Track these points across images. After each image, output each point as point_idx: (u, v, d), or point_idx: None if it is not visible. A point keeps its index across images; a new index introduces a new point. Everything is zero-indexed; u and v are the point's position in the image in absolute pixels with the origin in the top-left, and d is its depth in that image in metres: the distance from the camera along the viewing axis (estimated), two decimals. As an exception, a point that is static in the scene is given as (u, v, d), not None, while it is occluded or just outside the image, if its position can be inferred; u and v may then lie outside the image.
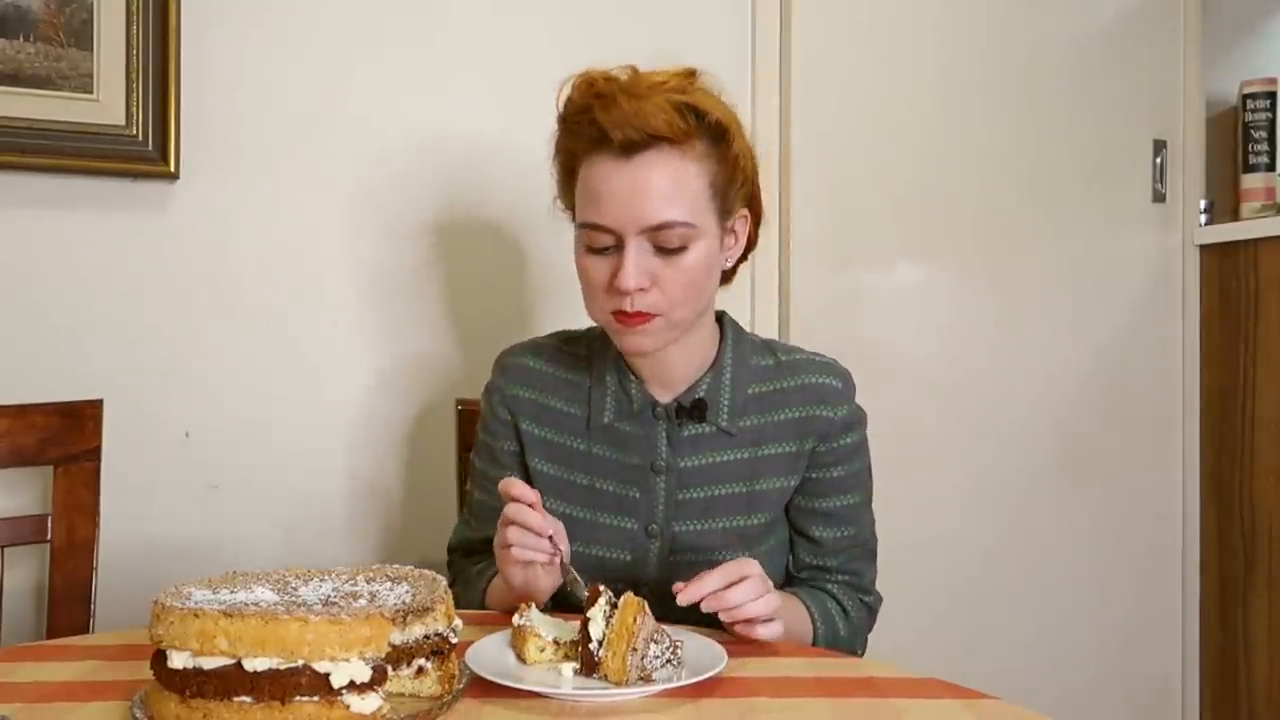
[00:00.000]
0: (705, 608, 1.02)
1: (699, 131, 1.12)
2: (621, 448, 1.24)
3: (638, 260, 1.11)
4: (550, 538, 1.07)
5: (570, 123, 1.16)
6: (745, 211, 1.22)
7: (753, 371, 1.25)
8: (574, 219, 1.20)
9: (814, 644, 1.19)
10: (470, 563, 1.32)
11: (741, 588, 1.02)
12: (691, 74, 1.16)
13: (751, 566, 1.05)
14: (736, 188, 1.18)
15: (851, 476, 1.25)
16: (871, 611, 1.29)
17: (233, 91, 1.61)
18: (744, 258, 1.26)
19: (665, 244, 1.11)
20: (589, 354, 1.28)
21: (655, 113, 1.09)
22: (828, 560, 1.26)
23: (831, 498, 1.25)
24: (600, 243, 1.13)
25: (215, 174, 1.60)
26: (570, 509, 1.24)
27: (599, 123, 1.10)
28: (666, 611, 1.20)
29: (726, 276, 1.25)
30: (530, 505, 1.07)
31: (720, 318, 1.27)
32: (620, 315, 1.13)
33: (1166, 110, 2.34)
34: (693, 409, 1.22)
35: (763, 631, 1.04)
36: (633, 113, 1.09)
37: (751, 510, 1.23)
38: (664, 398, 1.23)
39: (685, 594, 1.02)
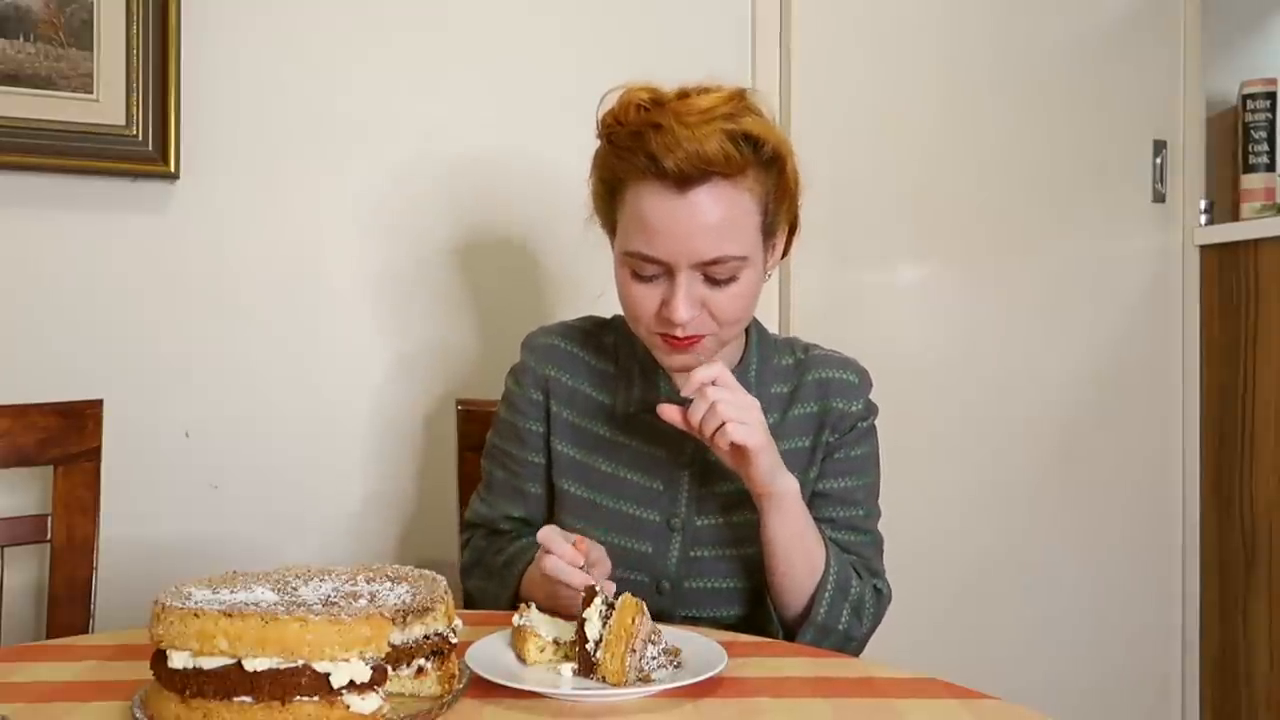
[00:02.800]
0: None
1: (753, 161, 1.11)
2: (647, 439, 1.24)
3: (688, 291, 1.11)
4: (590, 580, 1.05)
5: (617, 145, 1.12)
6: (786, 225, 1.22)
7: (775, 371, 1.26)
8: (608, 231, 1.21)
9: (823, 580, 1.16)
10: (491, 545, 1.31)
11: (697, 409, 1.08)
12: (741, 95, 1.13)
13: (712, 371, 1.09)
14: (784, 210, 1.19)
15: (853, 460, 1.26)
16: (880, 596, 1.25)
17: (233, 91, 1.61)
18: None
19: (716, 276, 1.11)
20: (616, 342, 1.28)
21: (710, 143, 1.06)
22: (831, 534, 1.23)
23: (834, 479, 1.25)
24: (648, 272, 1.12)
25: (215, 174, 1.60)
26: (593, 494, 1.25)
27: (653, 153, 1.07)
28: (686, 605, 1.21)
29: None
30: (572, 561, 1.04)
31: None
32: (669, 339, 1.14)
33: (1166, 110, 2.34)
34: None
35: (733, 430, 1.07)
36: (687, 142, 1.06)
37: None
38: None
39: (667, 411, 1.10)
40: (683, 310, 1.10)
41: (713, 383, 1.08)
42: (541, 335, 1.31)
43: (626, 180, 1.12)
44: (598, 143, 1.17)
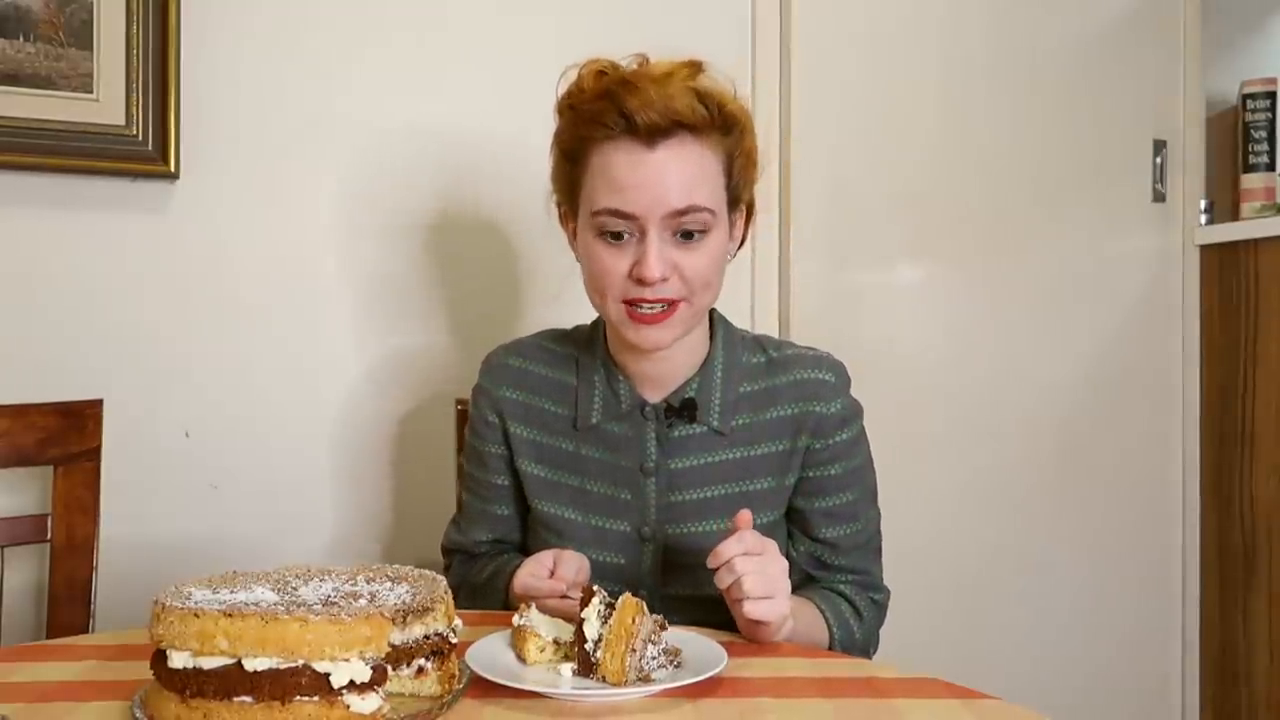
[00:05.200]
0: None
1: (717, 121, 1.12)
2: (610, 449, 1.22)
3: (660, 248, 1.10)
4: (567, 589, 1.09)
5: (583, 110, 1.13)
6: (743, 206, 1.22)
7: (743, 370, 1.23)
8: (567, 209, 1.20)
9: (830, 648, 1.18)
10: (471, 568, 1.31)
11: (723, 578, 1.01)
12: (698, 65, 1.14)
13: (741, 545, 1.02)
14: (746, 180, 1.18)
15: (851, 473, 1.23)
16: (881, 609, 1.27)
17: (232, 91, 1.61)
18: (734, 253, 1.25)
19: (687, 229, 1.11)
20: (576, 353, 1.26)
21: (679, 98, 1.09)
22: (835, 559, 1.24)
23: (832, 496, 1.23)
24: (617, 228, 1.11)
25: (215, 174, 1.60)
26: (561, 510, 1.24)
27: (624, 108, 1.08)
28: (665, 614, 1.20)
29: None
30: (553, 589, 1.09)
31: (710, 315, 1.25)
32: (637, 312, 1.12)
33: (1166, 110, 2.34)
34: (682, 409, 1.20)
35: (750, 608, 1.00)
36: (659, 97, 1.08)
37: None
38: (653, 397, 1.22)
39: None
40: (654, 265, 1.09)
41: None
42: (497, 355, 1.30)
43: (591, 142, 1.13)
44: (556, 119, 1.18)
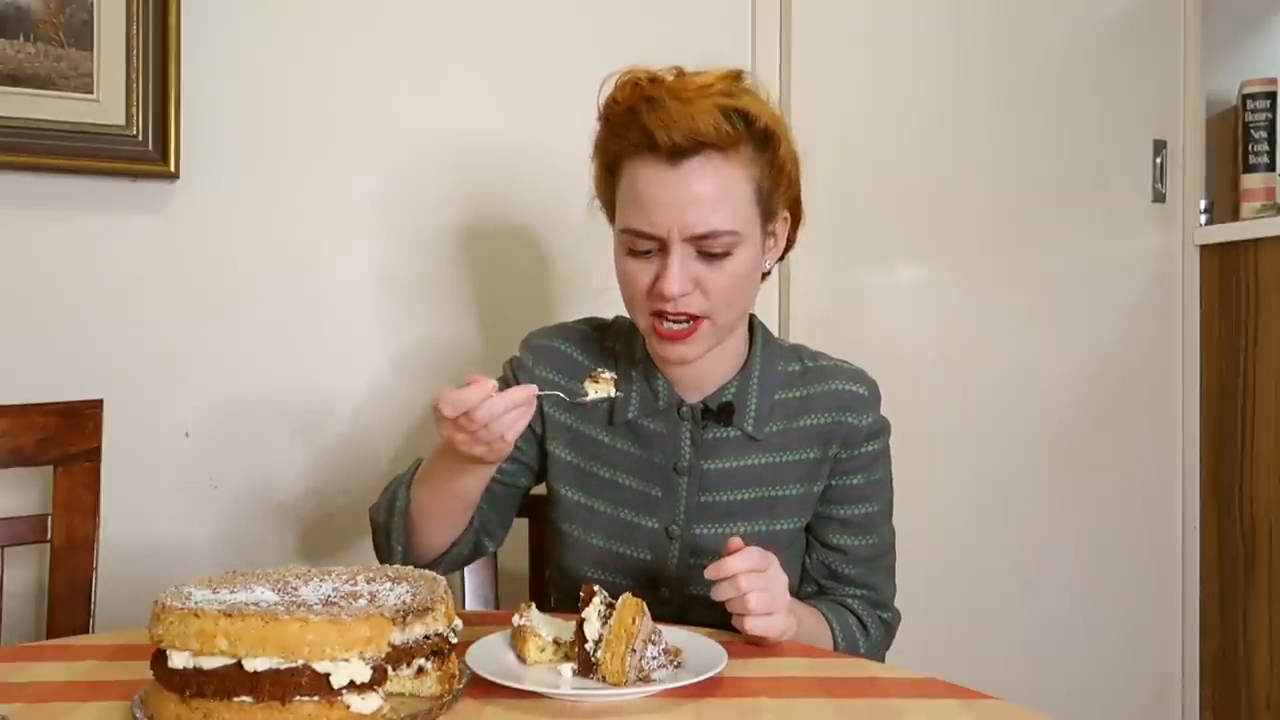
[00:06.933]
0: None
1: (746, 137, 1.11)
2: (645, 445, 1.23)
3: (681, 265, 1.10)
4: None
5: (614, 123, 1.14)
6: (786, 214, 1.21)
7: (780, 377, 1.24)
8: (610, 216, 1.21)
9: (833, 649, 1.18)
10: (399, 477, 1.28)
11: (723, 590, 1.02)
12: (738, 76, 1.14)
13: (746, 562, 1.03)
14: (780, 192, 1.18)
15: (872, 485, 1.24)
16: (889, 629, 1.27)
17: (233, 91, 1.61)
18: (781, 258, 1.26)
19: (709, 250, 1.11)
20: (615, 345, 1.27)
21: (703, 118, 1.07)
22: (847, 569, 1.25)
23: (851, 505, 1.24)
24: (643, 246, 1.12)
25: (215, 174, 1.60)
26: (591, 501, 1.24)
27: (646, 126, 1.08)
28: (687, 613, 1.20)
29: (762, 276, 1.24)
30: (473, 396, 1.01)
31: (751, 321, 1.26)
32: (662, 327, 1.13)
33: (1166, 110, 2.34)
34: (720, 412, 1.21)
35: (752, 624, 1.02)
36: (681, 117, 1.07)
37: (774, 516, 1.22)
38: (691, 398, 1.23)
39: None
40: (674, 284, 1.10)
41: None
42: (541, 337, 1.30)
43: (622, 157, 1.13)
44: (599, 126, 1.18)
